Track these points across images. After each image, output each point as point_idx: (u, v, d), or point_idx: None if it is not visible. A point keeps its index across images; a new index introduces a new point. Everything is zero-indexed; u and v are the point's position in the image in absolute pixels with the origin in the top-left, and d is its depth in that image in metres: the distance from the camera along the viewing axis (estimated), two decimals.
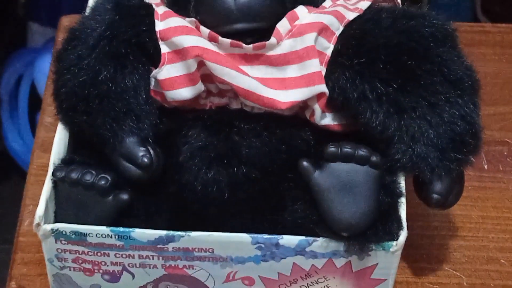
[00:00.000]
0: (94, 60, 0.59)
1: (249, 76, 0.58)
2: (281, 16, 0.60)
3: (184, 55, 0.58)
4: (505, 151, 0.78)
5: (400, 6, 0.65)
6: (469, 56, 0.63)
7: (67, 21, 0.89)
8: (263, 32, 0.59)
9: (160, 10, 0.61)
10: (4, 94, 1.27)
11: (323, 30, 0.59)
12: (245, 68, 0.59)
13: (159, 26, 0.60)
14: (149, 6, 0.61)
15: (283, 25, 0.59)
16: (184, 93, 0.59)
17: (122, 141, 0.59)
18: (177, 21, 0.60)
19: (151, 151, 0.59)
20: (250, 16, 0.58)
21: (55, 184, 0.60)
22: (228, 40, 0.58)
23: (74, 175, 0.58)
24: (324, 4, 0.62)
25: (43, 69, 1.19)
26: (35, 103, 1.27)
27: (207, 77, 0.59)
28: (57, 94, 0.61)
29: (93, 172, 0.58)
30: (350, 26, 0.60)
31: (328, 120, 0.60)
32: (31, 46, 1.31)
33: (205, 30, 0.59)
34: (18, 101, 1.27)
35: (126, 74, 0.59)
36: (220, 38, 0.58)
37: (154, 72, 0.60)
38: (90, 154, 0.61)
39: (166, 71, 0.59)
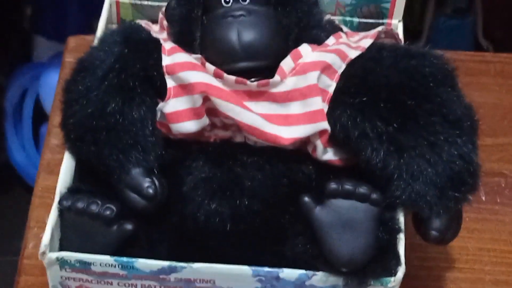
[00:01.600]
0: (103, 92, 0.60)
1: (253, 112, 0.59)
2: (284, 53, 0.61)
3: (190, 90, 0.60)
4: (503, 183, 0.79)
5: (402, 42, 0.67)
6: (470, 85, 0.64)
7: (74, 41, 0.90)
8: (267, 69, 0.60)
9: (167, 45, 0.62)
10: (9, 107, 1.28)
11: (326, 68, 0.60)
12: (249, 104, 0.60)
13: (166, 60, 0.61)
14: (157, 41, 0.63)
15: (287, 63, 0.60)
16: (189, 126, 0.60)
17: (128, 172, 0.60)
18: (183, 57, 0.61)
19: (156, 182, 0.60)
20: (253, 55, 0.60)
21: (61, 212, 0.61)
22: (233, 77, 0.60)
23: (80, 205, 0.59)
24: (327, 41, 0.63)
25: (48, 84, 1.20)
26: (39, 116, 1.28)
27: (212, 111, 0.60)
28: (65, 124, 0.63)
29: (99, 202, 0.59)
30: (352, 65, 0.61)
31: (329, 155, 0.61)
32: (37, 59, 1.33)
33: (210, 67, 0.60)
34: (22, 114, 1.28)
35: (133, 107, 0.60)
36: (225, 75, 0.60)
37: (160, 105, 0.61)
38: (96, 183, 0.62)
39: (172, 105, 0.60)
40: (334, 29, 0.66)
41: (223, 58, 0.61)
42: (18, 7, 1.34)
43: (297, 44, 0.62)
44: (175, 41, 0.63)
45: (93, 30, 1.26)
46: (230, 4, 0.62)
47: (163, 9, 0.67)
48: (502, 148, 0.82)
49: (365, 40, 0.63)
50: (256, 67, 0.60)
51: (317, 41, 0.63)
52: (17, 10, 1.34)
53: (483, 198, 0.78)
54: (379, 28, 0.65)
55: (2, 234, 1.28)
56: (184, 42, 0.63)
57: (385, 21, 0.73)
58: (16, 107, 1.29)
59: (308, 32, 0.63)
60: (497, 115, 0.85)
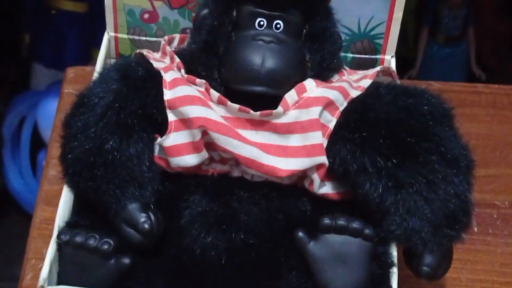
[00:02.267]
0: (101, 129, 0.61)
1: (251, 144, 0.60)
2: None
3: (190, 125, 0.61)
4: (495, 214, 0.80)
5: (398, 80, 0.68)
6: (462, 116, 0.64)
7: (72, 72, 0.91)
8: (272, 99, 0.62)
9: (168, 76, 0.63)
10: (7, 134, 1.29)
11: (328, 104, 0.61)
12: (249, 132, 0.61)
13: (167, 95, 0.62)
14: (157, 74, 0.63)
15: (290, 96, 0.62)
16: (189, 160, 0.62)
17: (125, 207, 0.61)
18: (184, 90, 0.62)
19: (152, 217, 0.61)
20: (273, 83, 0.61)
21: (60, 246, 0.62)
22: (236, 106, 0.61)
23: (78, 239, 0.60)
24: (331, 78, 0.65)
25: (46, 111, 1.21)
26: (36, 143, 1.29)
27: (210, 145, 0.61)
28: (63, 159, 0.64)
29: (97, 236, 0.60)
30: (352, 101, 0.62)
31: (326, 189, 0.62)
32: (35, 86, 1.34)
33: (214, 94, 0.61)
34: (20, 142, 1.29)
35: (131, 143, 0.62)
36: (228, 103, 0.61)
37: (160, 139, 0.62)
38: (94, 216, 0.63)
39: (173, 139, 0.62)
40: (339, 65, 0.67)
41: (243, 78, 0.61)
42: (17, 35, 1.35)
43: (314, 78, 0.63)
44: (196, 50, 0.64)
45: (91, 59, 1.28)
46: (263, 28, 0.63)
47: (166, 36, 0.69)
48: (494, 179, 0.83)
49: (365, 81, 0.64)
50: (272, 94, 0.61)
51: (328, 76, 0.65)
52: (16, 38, 1.35)
53: (476, 229, 0.78)
54: (378, 68, 0.66)
55: None
56: (207, 52, 0.63)
57: (378, 56, 0.75)
58: (14, 134, 1.30)
59: (326, 73, 0.64)
60: (489, 146, 0.86)
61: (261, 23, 0.63)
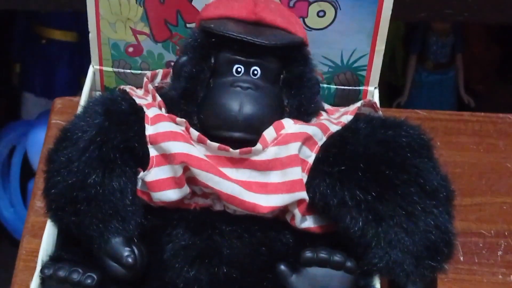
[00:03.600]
0: (84, 164, 0.62)
1: (232, 180, 0.61)
2: None
3: (171, 160, 0.61)
4: (481, 243, 0.80)
5: (380, 111, 0.68)
6: (448, 145, 0.65)
7: (60, 103, 0.91)
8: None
9: (151, 113, 0.63)
10: None
11: (307, 140, 0.62)
12: (230, 170, 0.62)
13: (149, 130, 0.62)
14: (140, 110, 0.64)
15: (269, 133, 0.62)
16: (171, 194, 0.62)
17: (108, 241, 0.61)
18: (166, 126, 0.62)
19: (136, 251, 0.61)
20: (251, 129, 0.62)
21: (43, 280, 0.62)
22: (216, 144, 0.61)
23: (61, 273, 0.60)
24: (309, 121, 0.65)
25: (36, 141, 1.22)
26: (26, 172, 1.29)
27: (192, 180, 0.62)
28: (47, 194, 0.64)
29: (80, 270, 0.60)
30: (331, 136, 0.63)
31: (308, 224, 0.63)
32: (25, 115, 1.34)
33: (194, 133, 0.62)
34: (10, 171, 1.30)
35: (113, 177, 0.62)
36: (208, 141, 0.61)
37: (142, 174, 0.62)
38: (77, 250, 0.63)
39: (154, 174, 0.62)
40: (317, 109, 0.67)
41: (221, 124, 0.62)
42: (8, 64, 1.36)
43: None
44: (176, 95, 0.65)
45: (81, 88, 1.28)
46: (240, 74, 0.64)
47: (148, 74, 0.69)
48: (480, 208, 0.83)
49: (346, 117, 0.65)
50: (250, 139, 0.62)
51: (306, 120, 0.65)
52: (7, 67, 1.36)
53: (461, 258, 0.78)
54: (358, 104, 0.67)
55: None
56: (186, 98, 0.64)
57: (361, 88, 0.75)
58: (4, 163, 1.30)
59: (305, 117, 0.65)
60: (475, 175, 0.86)
61: (239, 69, 0.64)
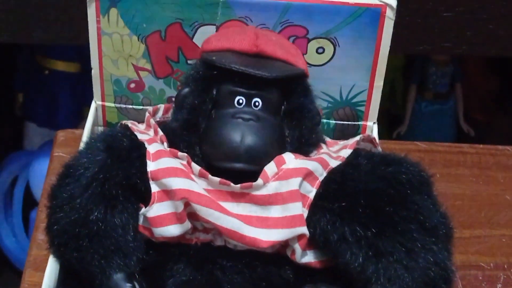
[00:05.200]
0: (86, 200, 0.62)
1: (232, 215, 0.61)
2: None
3: (172, 196, 0.62)
4: (480, 276, 0.80)
5: (379, 147, 0.69)
6: (447, 177, 0.65)
7: (62, 135, 0.92)
8: (253, 172, 0.63)
9: (152, 148, 0.64)
10: None
11: (308, 175, 0.63)
12: (230, 204, 0.62)
13: (151, 166, 0.63)
14: (141, 145, 0.65)
15: (270, 168, 0.63)
16: (172, 230, 0.62)
17: (110, 277, 0.62)
18: (167, 162, 0.63)
19: (137, 287, 0.61)
20: (252, 160, 0.63)
21: None
22: (217, 179, 0.62)
23: None
24: (310, 153, 0.66)
25: (38, 171, 1.22)
26: (29, 202, 1.30)
27: (193, 215, 0.62)
28: (49, 230, 0.64)
29: None
30: (331, 171, 0.63)
31: (308, 258, 0.63)
32: (28, 145, 1.35)
33: (196, 167, 0.63)
34: (13, 200, 1.30)
35: (115, 214, 0.62)
36: (209, 176, 0.62)
37: (144, 210, 0.63)
38: (79, 286, 0.64)
39: (156, 209, 0.63)
40: (317, 140, 0.68)
41: (223, 155, 0.63)
42: (10, 94, 1.37)
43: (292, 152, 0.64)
44: (178, 127, 0.65)
45: (83, 118, 1.29)
46: (242, 106, 0.64)
47: (150, 109, 0.70)
48: (479, 240, 0.83)
49: (345, 151, 0.65)
50: (251, 170, 0.62)
51: (307, 152, 0.66)
52: (9, 97, 1.37)
53: None
54: (357, 138, 0.67)
55: None
56: (188, 129, 0.65)
57: (360, 122, 0.76)
58: (7, 193, 1.31)
59: (306, 148, 0.66)
60: (474, 207, 0.86)
61: (240, 101, 0.64)
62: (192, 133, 0.65)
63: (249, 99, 0.64)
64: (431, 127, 1.32)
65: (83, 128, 0.78)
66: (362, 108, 0.75)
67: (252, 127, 0.63)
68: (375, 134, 0.74)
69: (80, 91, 1.30)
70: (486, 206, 0.87)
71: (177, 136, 0.66)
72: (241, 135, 0.63)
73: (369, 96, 0.74)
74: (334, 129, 0.76)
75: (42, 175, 1.15)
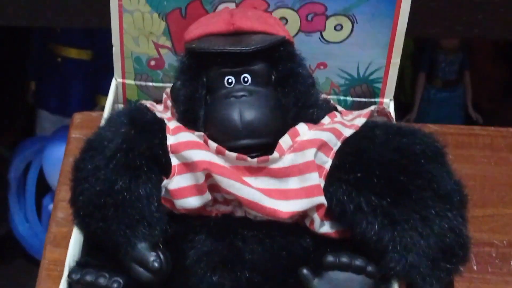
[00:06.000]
0: (111, 171, 0.64)
1: (252, 187, 0.63)
2: (283, 131, 0.65)
3: (193, 168, 0.63)
4: (494, 253, 0.81)
5: (394, 120, 0.70)
6: (459, 158, 0.66)
7: (79, 117, 0.93)
8: (267, 146, 0.64)
9: (172, 125, 0.66)
10: (13, 179, 1.31)
11: (322, 146, 0.64)
12: (249, 179, 0.63)
13: (170, 140, 0.64)
14: (162, 121, 0.66)
15: (285, 141, 0.64)
16: (193, 202, 0.64)
17: (135, 247, 0.63)
18: (186, 136, 0.64)
19: (161, 256, 0.63)
20: (254, 133, 0.64)
21: (70, 285, 0.63)
22: (234, 154, 0.63)
23: (89, 278, 0.62)
24: (323, 121, 0.67)
25: (52, 157, 1.23)
26: (42, 188, 1.31)
27: (214, 187, 0.64)
28: (74, 201, 0.66)
29: (107, 275, 0.62)
30: (347, 142, 0.65)
31: (326, 228, 0.64)
32: (40, 132, 1.36)
33: (212, 145, 0.64)
34: (26, 187, 1.31)
35: (140, 184, 0.64)
36: (226, 152, 0.63)
37: (165, 182, 0.64)
38: (103, 256, 0.65)
39: (176, 182, 0.64)
40: (329, 108, 0.69)
41: (226, 136, 0.64)
42: (23, 83, 1.38)
43: (295, 122, 0.65)
44: (179, 120, 0.66)
45: (95, 105, 1.30)
46: (232, 85, 0.65)
47: (167, 89, 0.71)
48: (491, 219, 0.84)
49: (359, 119, 0.67)
50: (257, 144, 0.64)
51: (314, 119, 0.66)
52: (22, 86, 1.38)
53: (475, 268, 0.79)
54: (372, 108, 0.69)
55: None
56: (188, 120, 0.66)
57: (377, 99, 0.77)
58: (20, 179, 1.32)
59: (305, 110, 0.66)
60: (486, 187, 0.87)
61: (230, 80, 0.66)
62: (193, 123, 0.66)
63: (237, 76, 0.66)
64: (439, 115, 1.33)
65: (98, 112, 0.78)
66: (379, 85, 0.76)
67: (246, 102, 0.64)
68: (391, 111, 0.75)
69: (92, 79, 1.31)
70: (498, 186, 0.87)
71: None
72: (238, 112, 0.64)
73: (386, 73, 0.75)
74: (351, 106, 0.77)
75: (55, 161, 1.17)
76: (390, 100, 0.77)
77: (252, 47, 0.65)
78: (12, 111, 1.42)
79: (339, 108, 0.71)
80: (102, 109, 0.77)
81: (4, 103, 1.39)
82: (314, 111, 0.67)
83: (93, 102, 1.31)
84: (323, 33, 0.73)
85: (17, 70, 1.38)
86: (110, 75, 0.78)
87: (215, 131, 0.65)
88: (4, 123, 1.40)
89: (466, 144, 0.91)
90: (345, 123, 0.66)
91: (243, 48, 0.64)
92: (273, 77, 0.66)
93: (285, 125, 0.65)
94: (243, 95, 0.65)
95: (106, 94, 0.78)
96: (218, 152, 0.64)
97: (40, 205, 1.31)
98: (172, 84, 0.71)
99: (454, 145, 0.89)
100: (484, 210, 0.84)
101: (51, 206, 1.27)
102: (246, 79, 0.65)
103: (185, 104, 0.66)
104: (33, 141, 1.31)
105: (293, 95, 0.66)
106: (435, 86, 1.33)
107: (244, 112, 0.64)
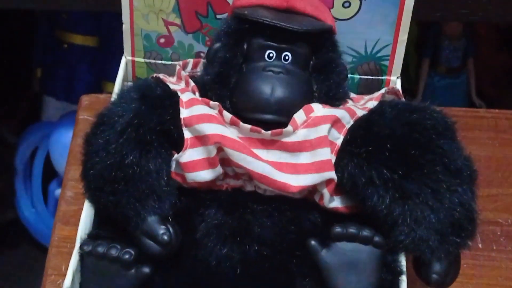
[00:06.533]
0: (121, 145, 0.64)
1: (263, 161, 0.63)
2: None
3: (205, 141, 0.64)
4: (498, 231, 0.82)
5: (403, 98, 0.71)
6: (464, 139, 0.67)
7: (86, 100, 0.94)
8: (281, 123, 0.65)
9: (185, 97, 0.66)
10: (19, 164, 1.32)
11: (335, 122, 0.64)
12: (261, 151, 0.64)
13: (184, 113, 0.65)
14: (174, 94, 0.67)
15: (299, 116, 0.65)
16: (204, 175, 0.64)
17: (144, 220, 0.63)
18: (200, 109, 0.65)
19: (171, 229, 0.63)
20: (281, 111, 0.65)
21: (82, 257, 0.64)
22: (248, 126, 0.64)
23: (100, 249, 0.62)
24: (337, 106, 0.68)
25: (58, 142, 1.24)
26: (48, 174, 1.31)
27: (225, 161, 0.64)
28: (85, 175, 0.66)
29: (118, 246, 0.62)
30: (358, 119, 0.65)
31: (336, 203, 0.65)
32: (46, 119, 1.36)
33: (227, 115, 0.64)
34: (32, 172, 1.32)
35: (150, 159, 0.64)
36: (241, 123, 0.64)
37: (177, 155, 0.65)
38: (113, 230, 0.65)
39: (188, 155, 0.64)
40: (344, 94, 0.70)
41: (254, 107, 0.65)
42: (29, 69, 1.38)
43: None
44: (209, 81, 0.67)
45: (102, 91, 1.31)
46: (272, 60, 0.66)
47: (180, 62, 0.72)
48: (496, 199, 0.85)
49: (371, 103, 0.67)
50: (281, 122, 0.64)
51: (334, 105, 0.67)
52: (28, 72, 1.39)
53: (480, 246, 0.80)
54: (383, 91, 0.70)
55: None
56: (219, 83, 0.67)
57: (384, 77, 0.78)
58: (26, 164, 1.33)
59: (332, 102, 0.67)
60: (491, 167, 0.88)
61: (271, 55, 0.66)
62: (223, 86, 0.66)
63: (279, 53, 0.66)
64: (443, 101, 1.32)
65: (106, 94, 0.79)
66: (386, 63, 0.76)
67: (282, 79, 0.65)
68: (398, 88, 0.76)
69: (98, 65, 1.31)
70: (502, 167, 0.88)
71: (208, 90, 0.67)
72: (271, 87, 0.65)
73: (393, 51, 0.75)
74: (359, 84, 0.78)
75: (62, 146, 1.17)
76: (397, 77, 0.78)
77: (304, 28, 0.65)
78: (18, 97, 1.42)
79: (351, 94, 0.72)
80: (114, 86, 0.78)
81: (10, 89, 1.40)
82: (339, 104, 0.68)
83: (99, 89, 1.32)
84: (331, 10, 0.73)
85: (23, 57, 1.38)
86: (116, 61, 0.79)
87: (244, 100, 0.65)
88: (10, 109, 1.41)
89: (471, 126, 0.92)
90: (357, 107, 0.67)
91: (294, 27, 0.65)
92: (311, 62, 0.67)
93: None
94: (280, 72, 0.65)
95: (112, 81, 0.78)
96: (232, 123, 0.64)
97: (46, 190, 1.32)
98: (183, 60, 0.72)
99: (458, 126, 0.89)
100: (489, 190, 0.85)
101: (57, 192, 1.28)
102: (287, 57, 0.66)
103: (220, 66, 0.67)
104: (39, 126, 1.32)
105: (326, 84, 0.67)
106: (439, 72, 1.34)
107: (277, 88, 0.65)
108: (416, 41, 1.35)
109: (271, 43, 0.66)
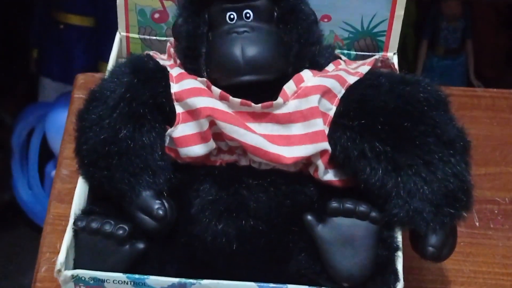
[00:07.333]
0: (115, 120, 0.64)
1: (256, 133, 0.63)
2: (285, 69, 0.65)
3: (197, 115, 0.63)
4: (496, 210, 0.82)
5: (397, 71, 0.70)
6: (462, 119, 0.66)
7: (82, 78, 0.93)
8: (271, 88, 0.64)
9: (174, 72, 0.66)
10: (15, 145, 1.32)
11: (326, 92, 0.64)
12: (253, 125, 0.63)
13: (174, 88, 0.65)
14: (164, 69, 0.66)
15: (289, 87, 0.64)
16: (197, 150, 0.64)
17: (139, 195, 0.63)
18: (190, 83, 0.64)
19: (166, 204, 0.63)
20: (256, 69, 0.63)
21: (76, 233, 0.64)
22: (238, 100, 0.63)
23: (94, 225, 0.62)
24: (327, 68, 0.67)
25: (55, 123, 1.24)
26: (44, 155, 1.31)
27: (218, 136, 0.64)
28: (79, 151, 0.66)
29: (112, 222, 0.62)
30: (351, 90, 0.65)
31: (330, 176, 0.64)
32: (43, 99, 1.36)
33: (216, 90, 0.64)
34: (28, 153, 1.31)
35: (144, 133, 0.64)
36: (230, 98, 0.63)
37: (169, 130, 0.64)
38: (108, 204, 0.65)
39: (181, 130, 0.64)
40: (334, 56, 0.69)
41: (227, 72, 0.64)
42: (25, 50, 1.38)
43: (298, 60, 0.65)
44: (182, 57, 0.66)
45: (98, 72, 1.30)
46: (234, 21, 0.65)
47: (171, 39, 0.71)
48: (494, 177, 0.85)
49: (363, 67, 0.67)
50: (259, 80, 0.63)
51: (318, 65, 0.67)
52: (24, 53, 1.38)
53: (477, 224, 0.80)
54: (376, 56, 0.69)
55: (8, 270, 1.30)
56: (190, 57, 0.66)
57: (380, 53, 0.77)
58: (23, 145, 1.32)
59: (308, 47, 0.66)
60: (489, 146, 0.88)
61: (231, 16, 0.65)
62: (195, 60, 0.66)
63: (239, 12, 0.65)
64: (441, 83, 1.32)
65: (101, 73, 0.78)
66: (383, 39, 0.76)
67: (248, 38, 0.64)
68: (395, 63, 0.75)
69: (94, 46, 1.31)
70: (500, 146, 0.88)
71: (184, 67, 0.66)
72: (240, 48, 0.64)
73: (390, 26, 0.75)
74: (355, 60, 0.77)
75: (58, 127, 1.17)
76: (394, 53, 0.77)
77: None
78: (14, 78, 1.42)
79: (343, 57, 0.71)
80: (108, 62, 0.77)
81: (6, 70, 1.39)
82: (316, 48, 0.67)
83: (96, 69, 1.31)
84: None
85: (20, 38, 1.38)
86: (113, 42, 0.78)
87: (217, 68, 0.64)
88: (6, 90, 1.40)
89: (469, 105, 0.92)
90: (349, 71, 0.66)
91: None
92: (275, 13, 0.66)
93: (287, 63, 0.65)
94: (245, 31, 0.64)
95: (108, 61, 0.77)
96: (222, 98, 0.64)
97: (43, 171, 1.32)
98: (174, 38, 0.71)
99: (457, 106, 0.88)
100: (486, 169, 0.85)
101: (53, 173, 1.27)
102: (248, 15, 0.65)
103: (187, 40, 0.66)
104: (36, 107, 1.32)
105: (295, 32, 0.66)
106: (437, 54, 1.33)
107: (246, 48, 0.63)
108: (415, 22, 1.35)
109: (229, 5, 0.65)
